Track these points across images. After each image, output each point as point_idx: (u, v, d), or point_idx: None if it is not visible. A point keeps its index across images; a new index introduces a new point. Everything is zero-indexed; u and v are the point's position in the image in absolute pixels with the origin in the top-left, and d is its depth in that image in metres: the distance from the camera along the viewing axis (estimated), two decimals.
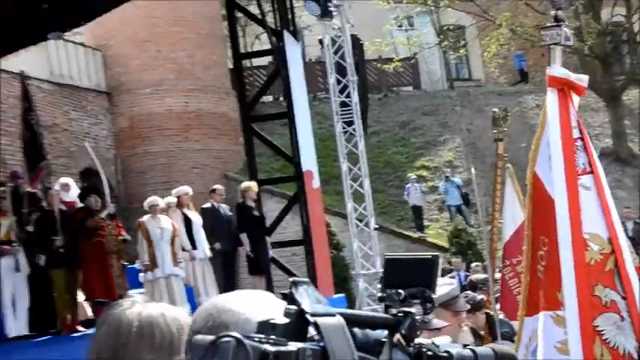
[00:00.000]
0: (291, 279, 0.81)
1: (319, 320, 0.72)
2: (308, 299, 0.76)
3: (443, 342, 0.90)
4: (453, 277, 10.86)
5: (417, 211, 16.01)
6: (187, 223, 9.39)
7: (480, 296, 4.39)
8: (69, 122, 14.70)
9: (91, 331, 7.89)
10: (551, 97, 2.84)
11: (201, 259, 9.46)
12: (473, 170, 7.40)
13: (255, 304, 0.92)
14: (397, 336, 0.81)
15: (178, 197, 9.68)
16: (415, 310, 0.97)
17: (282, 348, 0.69)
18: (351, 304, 10.94)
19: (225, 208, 10.07)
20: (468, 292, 4.69)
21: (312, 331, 0.74)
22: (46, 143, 10.07)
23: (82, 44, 15.36)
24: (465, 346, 0.91)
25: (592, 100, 17.83)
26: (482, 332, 4.19)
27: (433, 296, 1.06)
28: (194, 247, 9.34)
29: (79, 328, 8.29)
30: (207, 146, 15.96)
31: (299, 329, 0.74)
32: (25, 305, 8.20)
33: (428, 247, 14.89)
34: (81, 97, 15.23)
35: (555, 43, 2.86)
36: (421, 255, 1.14)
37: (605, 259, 2.79)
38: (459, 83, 22.03)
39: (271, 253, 9.93)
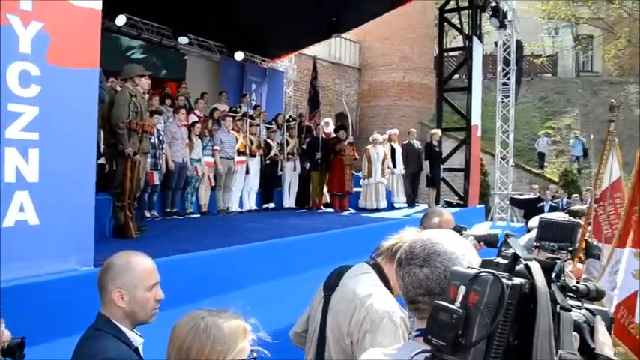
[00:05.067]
0: (506, 232, 0.94)
1: (529, 263, 0.82)
2: (519, 247, 0.84)
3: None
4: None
5: (541, 156, 19.02)
6: (393, 152, 11.16)
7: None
8: (334, 85, 19.01)
9: (329, 210, 10.19)
10: None
11: (398, 174, 11.35)
12: (592, 137, 8.51)
13: (454, 241, 1.09)
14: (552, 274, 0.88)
15: (389, 135, 11.46)
16: (561, 257, 1.18)
17: (512, 282, 0.78)
18: (487, 211, 13.14)
19: (417, 144, 11.54)
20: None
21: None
22: (320, 97, 12.44)
23: (349, 39, 19.87)
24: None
25: None
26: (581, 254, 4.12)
27: (572, 248, 1.37)
28: (395, 166, 11.15)
29: (322, 207, 10.32)
30: (412, 104, 20.05)
31: (511, 268, 0.84)
32: (295, 189, 10.42)
33: (545, 180, 17.63)
34: (343, 70, 19.99)
35: None
36: (566, 221, 1.48)
37: None
38: (583, 74, 25.72)
39: (442, 174, 11.59)
